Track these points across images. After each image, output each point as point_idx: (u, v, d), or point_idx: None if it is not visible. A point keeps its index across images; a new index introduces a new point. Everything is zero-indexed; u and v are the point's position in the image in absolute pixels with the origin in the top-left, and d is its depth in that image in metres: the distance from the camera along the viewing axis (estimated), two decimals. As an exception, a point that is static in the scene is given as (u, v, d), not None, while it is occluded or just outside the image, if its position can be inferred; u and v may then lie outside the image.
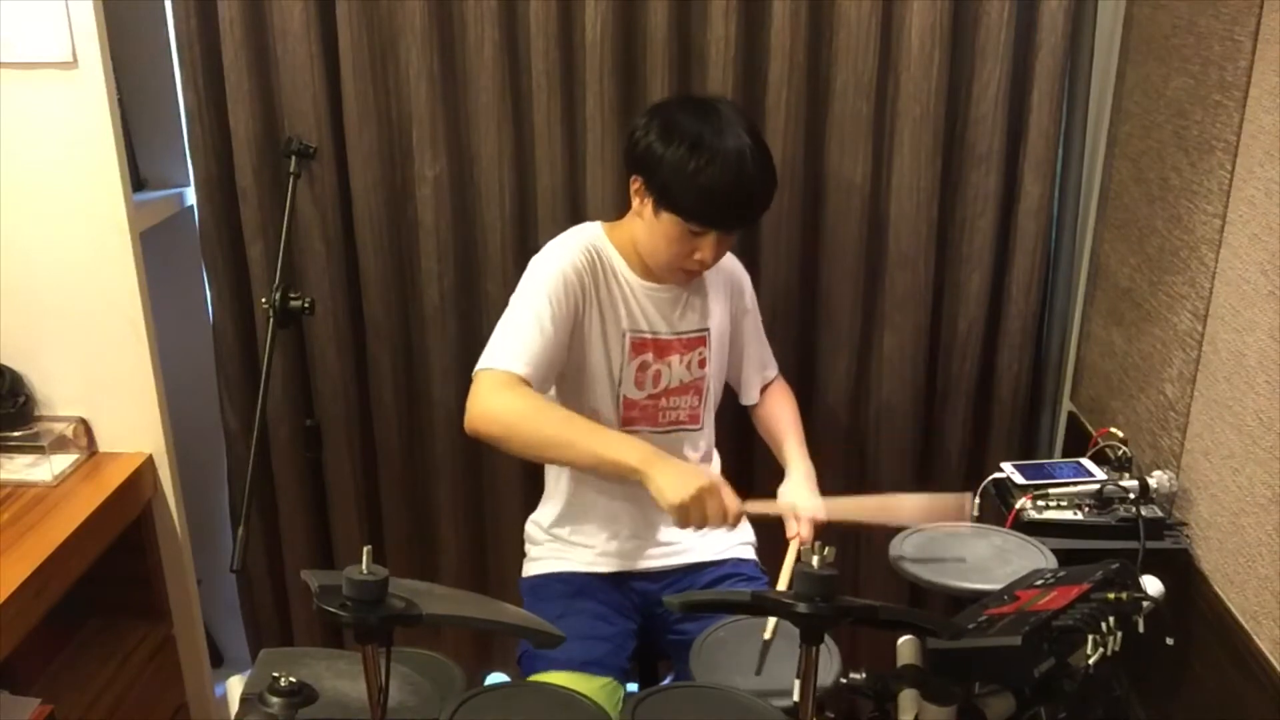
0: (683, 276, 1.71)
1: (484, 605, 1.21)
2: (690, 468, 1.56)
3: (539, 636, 1.19)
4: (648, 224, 1.65)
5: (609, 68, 1.92)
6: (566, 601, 1.75)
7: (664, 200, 1.61)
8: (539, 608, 1.76)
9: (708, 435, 1.84)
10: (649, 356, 1.73)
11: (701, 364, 1.77)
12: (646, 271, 1.72)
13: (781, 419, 1.89)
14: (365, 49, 1.94)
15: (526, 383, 1.56)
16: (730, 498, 1.50)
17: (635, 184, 1.65)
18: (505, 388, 1.55)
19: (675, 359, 1.75)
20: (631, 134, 1.65)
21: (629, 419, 1.75)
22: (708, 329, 1.77)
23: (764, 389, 1.95)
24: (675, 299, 1.74)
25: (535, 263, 1.69)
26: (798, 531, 1.64)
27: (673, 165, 1.58)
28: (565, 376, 1.70)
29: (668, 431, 1.77)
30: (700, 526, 1.48)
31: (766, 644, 1.39)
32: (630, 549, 1.80)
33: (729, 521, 1.49)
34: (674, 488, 1.45)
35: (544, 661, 1.61)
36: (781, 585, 1.61)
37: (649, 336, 1.73)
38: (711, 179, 1.56)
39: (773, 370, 1.96)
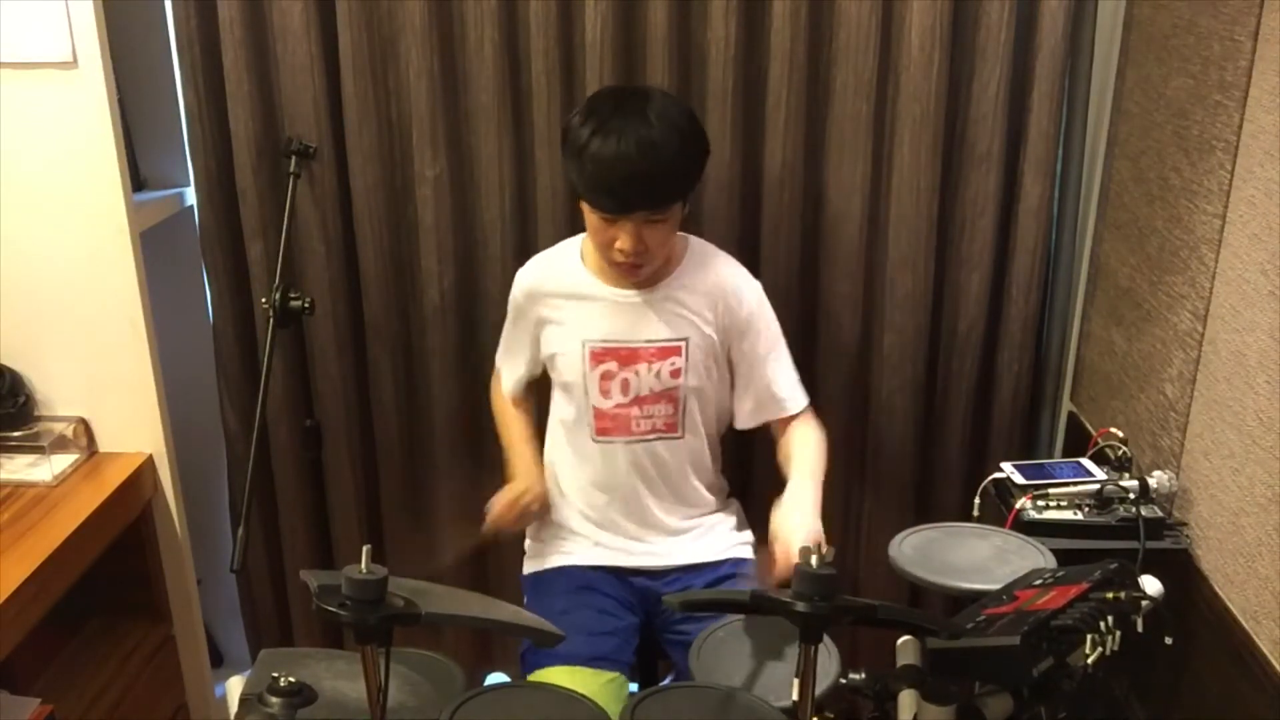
0: (624, 272, 1.69)
1: (484, 605, 1.21)
2: (513, 485, 1.79)
3: (538, 635, 1.19)
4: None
5: (609, 68, 1.92)
6: (571, 596, 1.74)
7: (569, 181, 1.66)
8: (543, 603, 1.77)
9: (692, 445, 1.78)
10: (612, 365, 1.72)
11: (674, 374, 1.72)
12: (616, 279, 1.72)
13: (793, 456, 1.73)
14: (365, 49, 1.94)
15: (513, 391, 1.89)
16: (502, 507, 1.75)
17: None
18: (497, 398, 1.94)
19: (643, 367, 1.72)
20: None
21: (602, 429, 1.75)
22: (685, 339, 1.73)
23: (786, 423, 1.79)
24: (645, 306, 1.72)
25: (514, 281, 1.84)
26: (773, 557, 1.56)
27: (571, 144, 1.61)
28: (552, 387, 1.81)
29: (643, 440, 1.76)
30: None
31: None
32: (629, 545, 1.80)
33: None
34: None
35: (550, 657, 1.60)
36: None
37: (611, 345, 1.72)
38: (593, 158, 1.57)
39: (792, 406, 1.78)
